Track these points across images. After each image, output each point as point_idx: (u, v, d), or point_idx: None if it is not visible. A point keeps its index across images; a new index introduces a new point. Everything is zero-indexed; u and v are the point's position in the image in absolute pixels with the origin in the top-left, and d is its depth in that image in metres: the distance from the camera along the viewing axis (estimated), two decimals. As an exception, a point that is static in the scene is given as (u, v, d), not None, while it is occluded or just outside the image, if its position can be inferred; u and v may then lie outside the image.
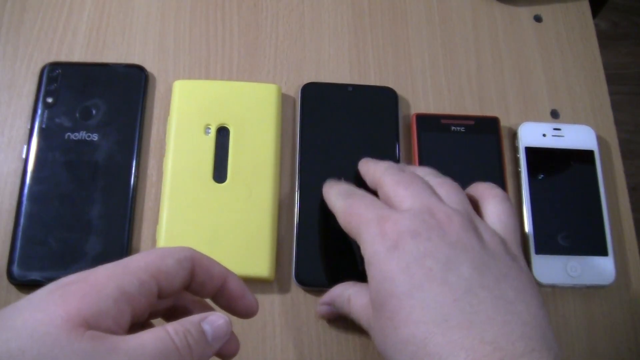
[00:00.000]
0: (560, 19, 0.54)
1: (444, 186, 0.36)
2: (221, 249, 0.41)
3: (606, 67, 0.52)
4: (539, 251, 0.44)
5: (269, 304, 0.42)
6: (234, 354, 0.30)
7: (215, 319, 0.28)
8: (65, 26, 0.49)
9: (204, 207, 0.42)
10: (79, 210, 0.42)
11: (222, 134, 0.45)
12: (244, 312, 0.32)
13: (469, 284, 0.30)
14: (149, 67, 0.48)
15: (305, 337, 0.41)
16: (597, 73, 0.52)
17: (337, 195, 0.38)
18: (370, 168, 0.39)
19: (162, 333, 0.26)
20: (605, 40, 1.40)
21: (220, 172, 0.43)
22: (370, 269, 0.33)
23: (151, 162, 0.45)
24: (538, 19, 0.54)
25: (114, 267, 0.27)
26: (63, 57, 0.48)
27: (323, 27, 0.51)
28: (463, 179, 0.46)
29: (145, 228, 0.43)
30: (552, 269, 0.44)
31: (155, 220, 0.43)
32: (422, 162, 0.46)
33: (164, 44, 0.49)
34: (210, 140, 0.44)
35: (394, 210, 0.34)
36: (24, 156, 0.43)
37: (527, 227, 0.45)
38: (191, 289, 0.30)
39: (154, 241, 0.42)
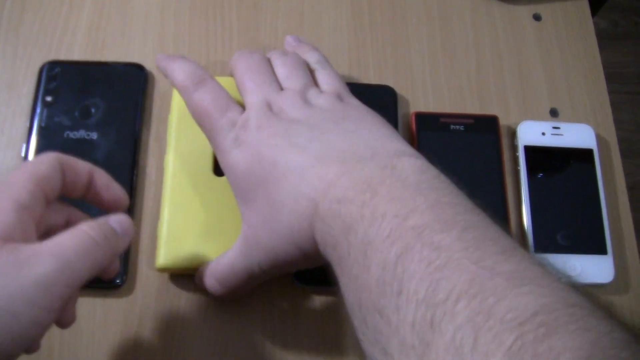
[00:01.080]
0: (560, 17, 0.54)
1: (285, 67, 0.39)
2: (222, 242, 0.41)
3: (606, 65, 0.52)
4: (538, 250, 0.44)
5: (269, 302, 0.42)
6: (115, 273, 0.33)
7: (120, 216, 0.31)
8: (65, 25, 0.49)
9: (204, 201, 0.42)
10: (78, 209, 0.42)
11: None
12: (113, 202, 0.34)
13: (318, 142, 0.34)
14: (149, 66, 0.48)
15: (305, 337, 0.41)
16: (596, 72, 0.52)
17: (185, 77, 0.38)
18: (233, 57, 0.41)
19: (77, 231, 0.28)
20: (604, 39, 1.40)
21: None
22: (233, 174, 0.36)
23: (150, 161, 0.45)
24: (537, 17, 0.54)
25: (0, 185, 0.29)
26: (62, 56, 0.48)
27: (322, 27, 0.51)
28: (462, 178, 0.46)
29: (144, 226, 0.43)
30: (552, 267, 0.44)
31: (155, 219, 0.43)
32: (421, 161, 0.46)
33: (164, 42, 0.49)
34: None
35: (238, 110, 0.37)
36: (23, 155, 0.44)
37: (526, 225, 0.45)
38: (65, 191, 0.32)
39: (153, 239, 0.42)
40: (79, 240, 0.28)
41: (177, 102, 0.45)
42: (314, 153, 0.33)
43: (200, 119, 0.38)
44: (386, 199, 0.29)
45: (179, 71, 0.38)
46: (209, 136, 0.38)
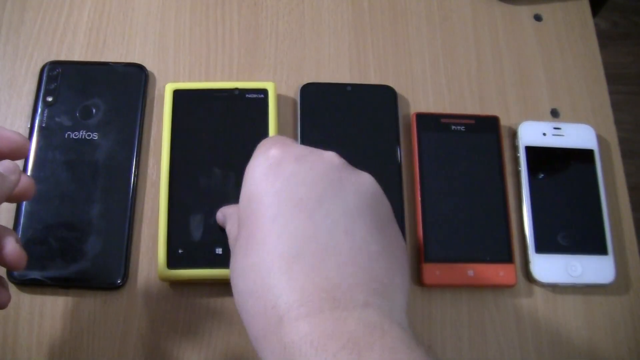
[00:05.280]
0: (561, 18, 0.54)
1: None
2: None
3: (606, 66, 0.52)
4: (539, 250, 0.44)
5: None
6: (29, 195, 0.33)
7: (3, 161, 0.31)
8: (66, 25, 0.49)
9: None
10: (79, 209, 0.42)
11: None
12: (8, 148, 0.32)
13: (334, 226, 0.29)
14: (149, 66, 0.48)
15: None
16: (597, 72, 0.52)
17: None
18: None
19: None
20: (605, 39, 1.40)
21: None
22: (244, 185, 0.31)
23: (151, 161, 0.45)
24: (538, 18, 0.53)
25: None
26: (63, 57, 0.48)
27: (323, 27, 0.51)
28: (463, 179, 0.46)
29: (145, 227, 0.43)
30: (552, 268, 0.44)
31: (156, 220, 0.43)
32: (422, 161, 0.46)
33: (164, 43, 0.49)
34: None
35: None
36: (24, 155, 0.44)
37: (527, 226, 0.45)
38: None
39: (154, 240, 0.42)
40: None
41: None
42: (318, 249, 0.28)
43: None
44: None
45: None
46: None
